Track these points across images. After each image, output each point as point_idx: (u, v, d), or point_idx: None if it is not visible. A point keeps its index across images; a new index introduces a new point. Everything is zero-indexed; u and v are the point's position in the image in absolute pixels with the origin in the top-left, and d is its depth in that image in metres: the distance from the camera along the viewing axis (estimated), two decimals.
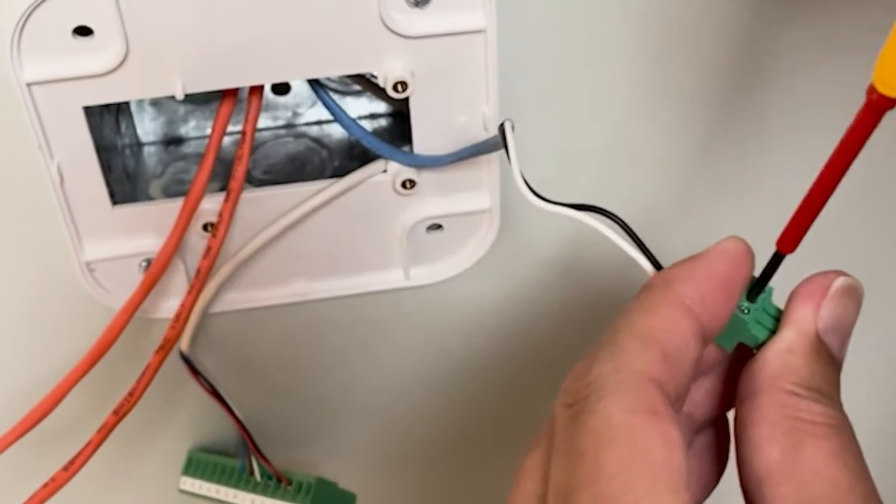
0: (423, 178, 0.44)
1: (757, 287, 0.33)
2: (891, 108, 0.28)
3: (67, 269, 0.44)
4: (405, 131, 0.43)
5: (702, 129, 0.47)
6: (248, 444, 0.50)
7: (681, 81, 0.45)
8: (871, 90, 0.28)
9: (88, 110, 0.40)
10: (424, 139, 0.43)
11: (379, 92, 0.46)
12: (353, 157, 0.49)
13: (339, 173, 0.45)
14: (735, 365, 0.35)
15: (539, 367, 0.54)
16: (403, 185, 0.44)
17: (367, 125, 0.50)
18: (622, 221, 0.36)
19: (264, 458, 0.50)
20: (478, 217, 0.46)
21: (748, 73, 0.45)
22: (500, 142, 0.38)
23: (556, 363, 0.54)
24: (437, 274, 0.48)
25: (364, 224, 0.46)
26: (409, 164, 0.44)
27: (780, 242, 0.32)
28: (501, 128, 0.38)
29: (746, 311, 0.33)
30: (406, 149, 0.44)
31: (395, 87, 0.41)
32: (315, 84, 0.43)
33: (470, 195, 0.45)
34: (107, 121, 0.44)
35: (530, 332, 0.53)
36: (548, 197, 0.37)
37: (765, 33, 0.44)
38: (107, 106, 0.44)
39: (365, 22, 0.39)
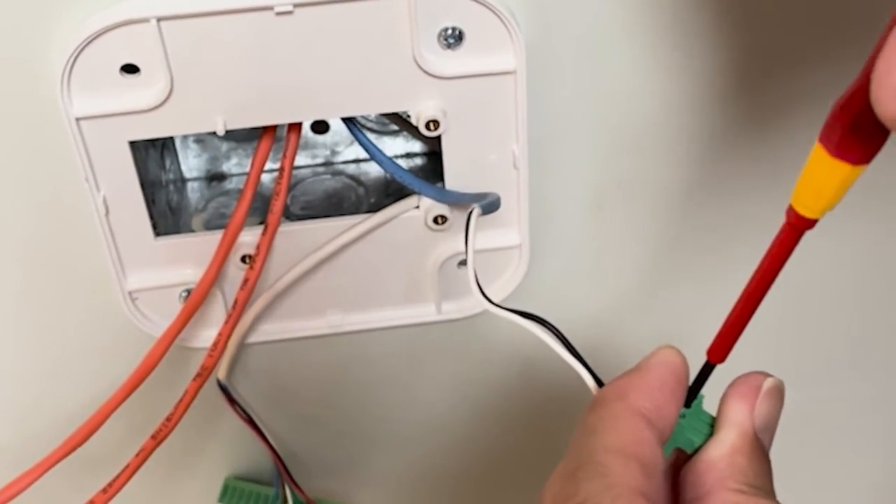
0: (455, 214, 0.45)
1: (691, 394, 0.35)
2: (810, 227, 0.30)
3: (111, 298, 0.46)
4: (439, 170, 0.45)
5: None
6: (281, 472, 0.51)
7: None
8: (791, 211, 0.30)
9: (134, 145, 0.42)
10: (455, 176, 0.44)
11: (413, 131, 0.47)
12: (388, 194, 0.51)
13: (375, 210, 0.46)
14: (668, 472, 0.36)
15: (568, 399, 0.55)
16: (435, 220, 0.45)
17: (404, 163, 0.52)
18: (561, 334, 0.39)
19: (297, 487, 0.51)
20: (508, 253, 0.47)
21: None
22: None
23: (585, 395, 0.55)
24: (467, 308, 0.49)
25: (397, 258, 0.47)
26: (440, 200, 0.45)
27: (710, 353, 0.35)
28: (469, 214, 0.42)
29: (683, 416, 0.35)
30: (439, 185, 0.45)
31: (427, 126, 0.42)
32: (349, 122, 0.44)
33: (500, 231, 0.46)
34: (152, 156, 0.46)
35: (560, 366, 0.54)
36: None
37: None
38: (152, 142, 0.46)
39: (399, 63, 0.40)
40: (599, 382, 0.37)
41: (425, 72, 0.41)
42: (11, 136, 0.42)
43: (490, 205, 0.43)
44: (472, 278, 0.41)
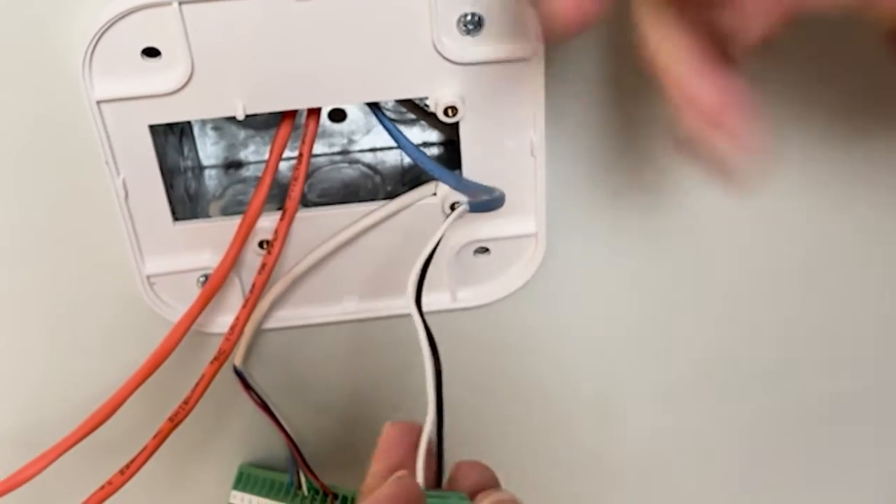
0: None
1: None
2: None
3: (129, 283, 0.46)
4: (455, 159, 0.45)
5: None
6: (296, 459, 0.51)
7: None
8: None
9: (154, 130, 0.42)
10: (473, 163, 0.44)
11: (431, 119, 0.47)
12: (404, 183, 0.51)
13: (391, 198, 0.46)
14: None
15: (584, 389, 0.55)
16: (452, 207, 0.45)
17: None
18: (440, 371, 0.41)
19: (312, 473, 0.52)
20: (524, 241, 0.47)
21: None
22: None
23: (605, 384, 0.56)
24: (483, 296, 0.49)
25: (413, 245, 0.47)
26: (457, 188, 0.45)
27: None
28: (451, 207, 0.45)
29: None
30: (456, 173, 0.45)
31: (445, 112, 0.42)
32: (374, 108, 0.44)
33: (517, 219, 0.46)
34: (171, 143, 0.47)
35: (576, 354, 0.54)
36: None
37: None
38: (171, 128, 0.46)
39: (419, 49, 0.41)
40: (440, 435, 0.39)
41: (444, 58, 0.41)
42: (33, 120, 0.42)
43: (489, 203, 0.44)
44: (414, 274, 0.42)
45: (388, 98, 0.42)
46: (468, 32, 0.41)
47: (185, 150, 0.50)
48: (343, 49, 0.41)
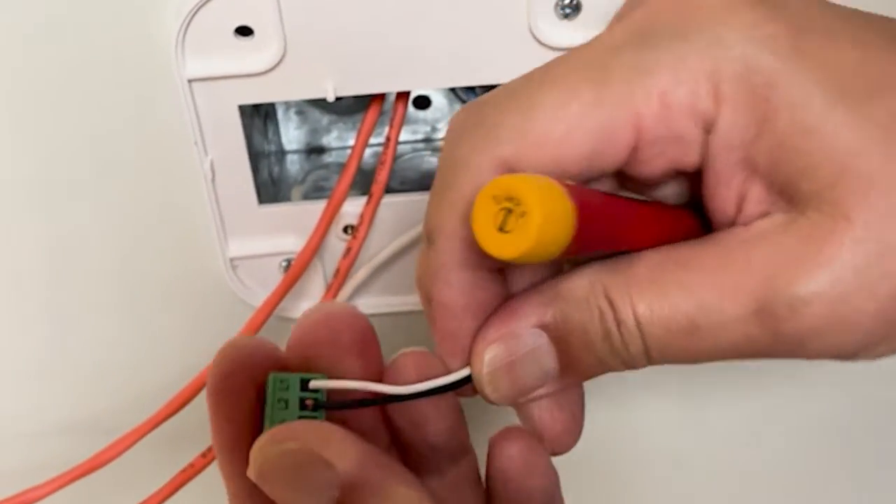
0: None
1: None
2: None
3: (212, 265, 0.46)
4: None
5: None
6: None
7: None
8: None
9: (241, 111, 0.42)
10: None
11: None
12: None
13: None
14: None
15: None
16: None
17: None
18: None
19: None
20: None
21: None
22: None
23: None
24: None
25: None
26: None
27: None
28: None
29: None
30: None
31: None
32: (467, 91, 0.44)
33: None
34: (257, 125, 0.46)
35: None
36: None
37: None
38: (257, 111, 0.46)
39: (514, 33, 0.40)
40: None
41: (540, 42, 0.40)
42: (124, 98, 0.42)
43: None
44: None
45: (480, 82, 0.42)
46: (565, 17, 0.40)
47: (269, 133, 0.49)
48: (436, 31, 0.40)
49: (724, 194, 0.28)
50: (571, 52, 0.29)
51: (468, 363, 0.30)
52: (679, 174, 0.29)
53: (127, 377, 0.51)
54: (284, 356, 0.30)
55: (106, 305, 0.48)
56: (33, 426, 0.52)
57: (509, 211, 0.25)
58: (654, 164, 0.28)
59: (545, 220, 0.24)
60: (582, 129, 0.27)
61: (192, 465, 0.44)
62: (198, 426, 0.46)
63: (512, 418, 0.32)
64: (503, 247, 0.25)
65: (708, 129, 0.27)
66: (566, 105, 0.27)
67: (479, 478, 0.34)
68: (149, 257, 0.47)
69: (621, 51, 0.28)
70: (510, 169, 0.28)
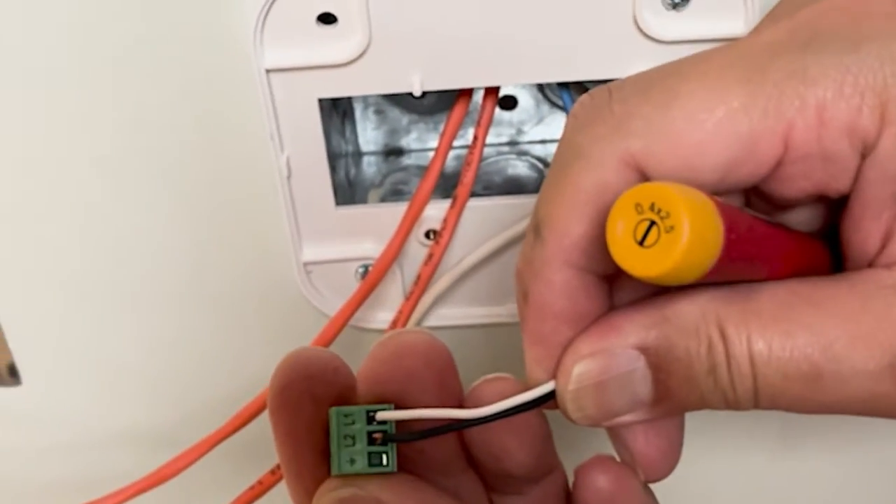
0: None
1: None
2: None
3: (284, 270, 0.43)
4: None
5: None
6: None
7: None
8: None
9: (321, 105, 0.39)
10: None
11: None
12: None
13: None
14: None
15: None
16: None
17: None
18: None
19: None
20: None
21: None
22: None
23: None
24: None
25: None
26: None
27: None
28: None
29: None
30: None
31: None
32: (564, 88, 0.41)
33: None
34: (335, 124, 0.44)
35: None
36: None
37: None
38: (335, 108, 0.43)
39: (617, 24, 0.37)
40: None
41: (645, 34, 0.37)
42: (200, 89, 0.39)
43: None
44: None
45: (578, 78, 0.38)
46: (674, 7, 0.37)
47: (347, 133, 0.47)
48: (532, 21, 0.37)
49: (869, 228, 0.25)
50: (723, 46, 0.26)
51: (554, 376, 0.27)
52: (819, 199, 0.26)
53: (193, 387, 0.48)
54: (344, 368, 0.29)
55: (172, 313, 0.46)
56: (99, 436, 0.50)
57: (652, 223, 0.22)
58: (795, 184, 0.25)
59: (694, 241, 0.21)
60: (726, 134, 0.24)
61: (260, 483, 0.41)
62: (267, 441, 0.43)
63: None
64: (639, 263, 0.22)
65: (865, 152, 0.24)
66: (712, 103, 0.24)
67: (566, 493, 0.31)
68: (218, 261, 0.44)
69: (780, 53, 0.25)
70: (636, 166, 0.25)
